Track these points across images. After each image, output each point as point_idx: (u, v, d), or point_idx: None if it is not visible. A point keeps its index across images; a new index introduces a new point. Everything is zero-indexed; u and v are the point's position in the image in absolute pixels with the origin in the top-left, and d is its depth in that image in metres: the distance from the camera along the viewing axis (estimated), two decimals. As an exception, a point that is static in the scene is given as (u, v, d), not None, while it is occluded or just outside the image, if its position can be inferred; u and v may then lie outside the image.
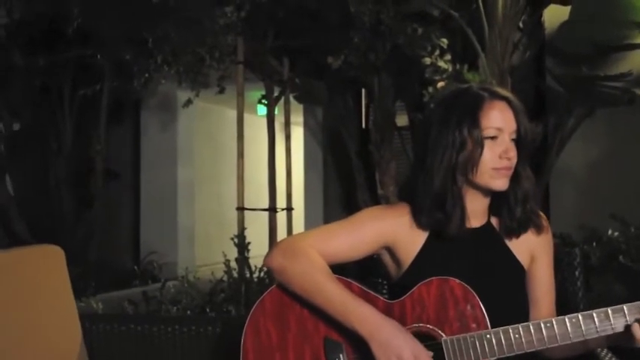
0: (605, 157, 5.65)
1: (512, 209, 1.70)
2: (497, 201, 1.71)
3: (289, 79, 5.75)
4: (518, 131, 1.64)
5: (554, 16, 4.94)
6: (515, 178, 1.67)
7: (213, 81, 5.77)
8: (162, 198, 7.59)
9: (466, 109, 1.63)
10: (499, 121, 1.62)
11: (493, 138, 1.62)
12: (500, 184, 1.64)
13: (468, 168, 1.62)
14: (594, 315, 1.52)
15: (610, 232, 4.80)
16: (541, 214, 1.75)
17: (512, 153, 1.63)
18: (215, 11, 5.21)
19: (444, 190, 1.64)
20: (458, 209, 1.64)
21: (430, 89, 4.26)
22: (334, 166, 6.94)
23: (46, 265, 1.97)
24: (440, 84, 4.29)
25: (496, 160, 1.62)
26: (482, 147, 1.61)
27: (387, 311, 1.59)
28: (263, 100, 5.85)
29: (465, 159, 1.62)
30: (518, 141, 1.65)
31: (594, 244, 4.73)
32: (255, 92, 6.08)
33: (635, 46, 4.55)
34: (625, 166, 5.53)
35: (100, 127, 6.93)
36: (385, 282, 1.89)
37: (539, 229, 1.74)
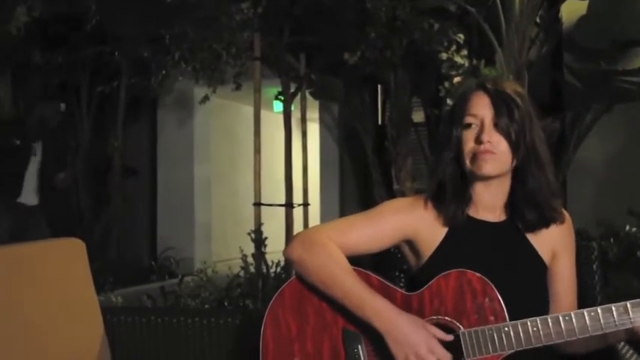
0: (623, 153, 5.62)
1: (521, 209, 1.69)
2: (514, 197, 1.71)
3: (306, 75, 5.76)
4: (496, 116, 1.62)
5: (571, 10, 4.90)
6: (516, 177, 1.67)
7: (230, 77, 5.79)
8: (179, 194, 7.64)
9: (454, 107, 1.72)
10: (473, 108, 1.65)
11: (469, 125, 1.64)
12: (484, 169, 1.62)
13: (458, 158, 1.66)
14: (613, 308, 1.51)
15: (627, 227, 4.78)
16: (563, 211, 1.73)
17: (488, 137, 1.61)
18: (231, 8, 5.24)
19: (439, 182, 1.69)
20: (449, 201, 1.67)
21: (446, 85, 4.25)
22: (350, 162, 6.95)
23: (68, 258, 1.99)
24: (456, 79, 4.28)
25: (474, 145, 1.63)
26: (458, 137, 1.65)
27: (406, 303, 1.60)
28: (279, 97, 5.86)
29: (450, 151, 1.67)
30: (503, 128, 1.62)
31: (612, 239, 4.70)
32: (272, 89, 6.09)
33: (653, 41, 4.52)
34: (643, 161, 5.49)
35: (118, 124, 7.00)
36: (402, 275, 1.90)
37: (560, 226, 1.72)
